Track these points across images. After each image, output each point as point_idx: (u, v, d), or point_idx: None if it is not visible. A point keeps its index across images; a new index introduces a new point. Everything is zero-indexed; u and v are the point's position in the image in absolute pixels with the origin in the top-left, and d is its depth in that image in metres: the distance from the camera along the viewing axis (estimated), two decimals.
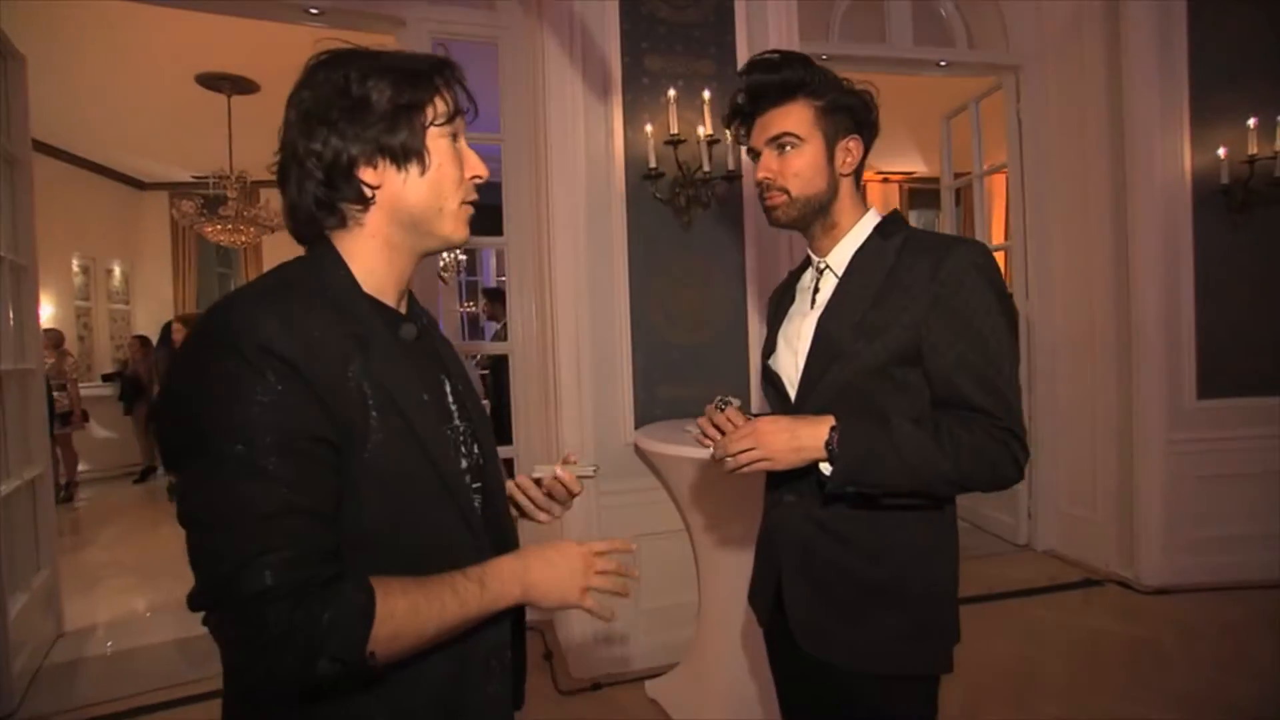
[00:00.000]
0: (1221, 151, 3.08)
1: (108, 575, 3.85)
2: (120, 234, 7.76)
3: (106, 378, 6.92)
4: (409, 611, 0.68)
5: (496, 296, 5.72)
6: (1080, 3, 3.33)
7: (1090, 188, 3.35)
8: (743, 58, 2.68)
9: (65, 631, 3.03)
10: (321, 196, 0.76)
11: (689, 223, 2.65)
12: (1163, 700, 2.28)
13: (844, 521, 1.08)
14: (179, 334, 5.30)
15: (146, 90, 5.28)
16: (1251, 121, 3.05)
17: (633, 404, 2.61)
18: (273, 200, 6.73)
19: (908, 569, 1.08)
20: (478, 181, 0.84)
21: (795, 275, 1.28)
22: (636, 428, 2.55)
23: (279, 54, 4.77)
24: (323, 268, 0.77)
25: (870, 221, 1.15)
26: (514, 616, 0.86)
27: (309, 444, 0.66)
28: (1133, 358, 3.16)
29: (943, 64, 3.50)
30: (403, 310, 0.84)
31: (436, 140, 0.79)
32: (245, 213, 5.72)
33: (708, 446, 1.11)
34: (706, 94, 2.57)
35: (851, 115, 1.11)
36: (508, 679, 0.85)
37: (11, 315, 2.73)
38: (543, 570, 0.81)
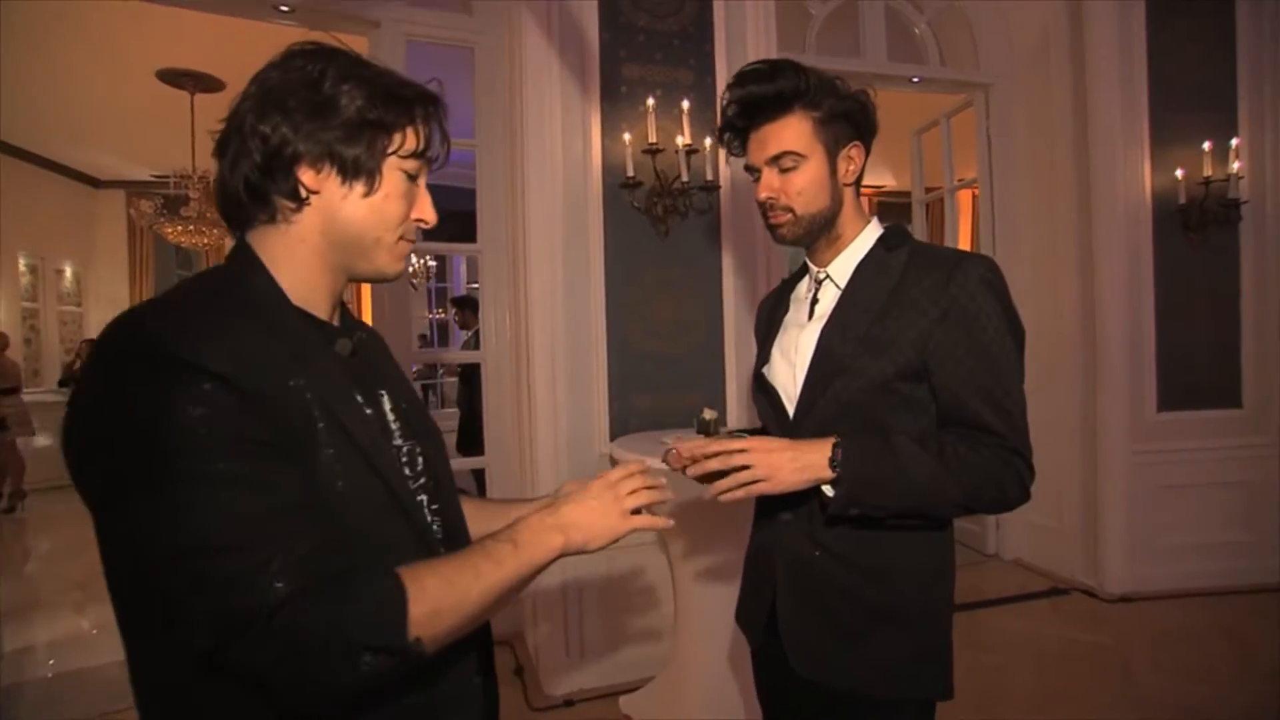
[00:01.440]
0: (1179, 173, 3.18)
1: (50, 592, 3.66)
2: (72, 233, 7.47)
3: (63, 384, 6.61)
4: (442, 585, 0.65)
5: (467, 304, 5.63)
6: (1047, 25, 3.42)
7: (1056, 205, 3.44)
8: (721, 68, 2.69)
9: (2, 653, 2.86)
10: (253, 181, 0.71)
11: (666, 232, 2.63)
12: (1128, 706, 2.32)
13: (844, 541, 1.04)
14: None
15: (105, 85, 5.10)
16: (1206, 145, 3.16)
17: (608, 414, 2.57)
18: None
19: (911, 591, 1.04)
20: (423, 226, 0.80)
21: (790, 283, 1.23)
22: (612, 439, 2.52)
23: (246, 52, 4.67)
24: (246, 277, 0.72)
25: (873, 232, 1.11)
26: (481, 647, 0.82)
27: (257, 447, 0.61)
28: (1097, 370, 3.24)
29: (915, 80, 3.57)
30: (335, 323, 0.79)
31: (393, 170, 0.75)
32: (208, 214, 5.55)
33: (678, 469, 1.00)
34: (685, 103, 2.56)
35: (850, 121, 1.06)
36: (479, 711, 0.80)
37: None
38: (575, 512, 0.78)
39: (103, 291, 7.77)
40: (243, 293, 0.70)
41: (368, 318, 7.10)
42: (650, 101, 2.52)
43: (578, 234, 2.56)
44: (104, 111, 5.64)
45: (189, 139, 5.38)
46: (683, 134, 2.54)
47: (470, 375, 4.46)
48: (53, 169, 7.07)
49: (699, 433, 2.40)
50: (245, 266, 0.73)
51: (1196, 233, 3.24)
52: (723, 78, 2.66)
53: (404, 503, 0.73)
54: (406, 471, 0.79)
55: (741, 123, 1.08)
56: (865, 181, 1.17)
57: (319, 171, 0.72)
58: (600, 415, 2.56)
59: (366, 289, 7.41)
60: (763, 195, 1.06)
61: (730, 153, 1.13)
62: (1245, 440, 3.28)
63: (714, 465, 0.96)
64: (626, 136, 2.54)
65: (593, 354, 2.57)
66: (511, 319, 2.85)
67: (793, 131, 1.03)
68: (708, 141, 2.60)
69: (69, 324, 7.40)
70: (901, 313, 1.00)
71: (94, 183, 7.67)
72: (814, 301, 1.12)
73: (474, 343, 4.75)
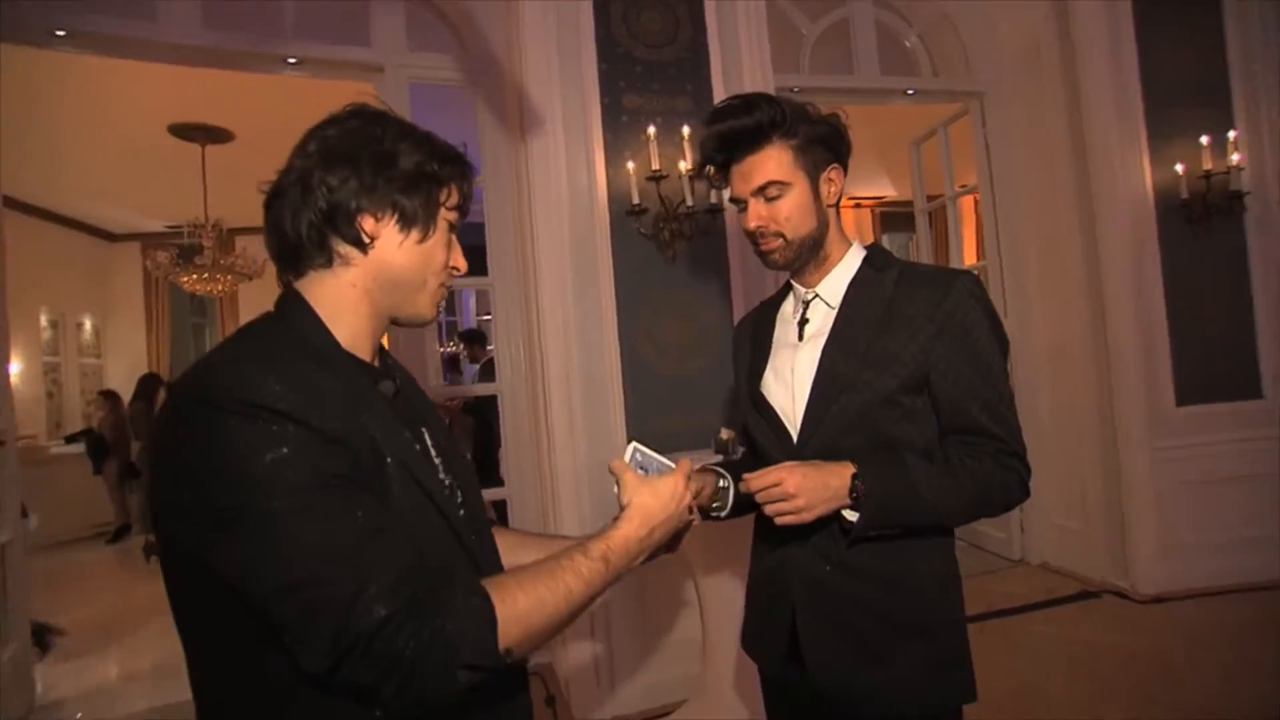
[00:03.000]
0: (1179, 168, 3.20)
1: (80, 642, 3.68)
2: (91, 287, 7.63)
3: (70, 438, 6.62)
4: (534, 606, 0.70)
5: (475, 338, 5.69)
6: (1036, 30, 3.47)
7: (1059, 206, 3.46)
8: (719, 93, 2.74)
9: (39, 704, 2.88)
10: (316, 227, 0.76)
11: (673, 256, 2.67)
12: (1169, 710, 2.27)
13: (858, 555, 1.05)
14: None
15: (118, 141, 5.25)
16: (1204, 139, 3.18)
17: (625, 438, 2.59)
18: (250, 247, 6.67)
19: (927, 598, 1.07)
20: (455, 275, 0.86)
21: (770, 304, 1.27)
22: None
23: (254, 103, 4.85)
24: (300, 324, 0.77)
25: (856, 253, 1.15)
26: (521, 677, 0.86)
27: (342, 480, 0.66)
28: (1111, 368, 3.23)
29: (909, 92, 3.62)
30: (376, 365, 0.84)
31: (441, 220, 0.82)
32: (221, 261, 5.67)
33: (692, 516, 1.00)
34: (685, 130, 2.61)
35: (826, 145, 1.10)
36: None
37: None
38: (662, 529, 0.86)
39: (121, 342, 7.91)
40: (299, 338, 0.75)
41: None
42: (651, 130, 2.58)
43: (587, 263, 2.61)
44: (118, 167, 5.79)
45: (200, 189, 5.51)
46: (685, 159, 2.59)
47: (479, 408, 4.49)
48: (69, 225, 7.24)
49: (716, 452, 2.41)
50: (297, 313, 0.77)
51: (1202, 226, 3.24)
52: None
53: (459, 533, 0.77)
54: (455, 503, 0.83)
55: (721, 157, 1.12)
56: (866, 192, 1.21)
57: (379, 220, 0.78)
58: (619, 439, 2.58)
59: None
60: (752, 225, 1.11)
61: (712, 185, 1.18)
62: (1270, 431, 3.24)
63: (758, 492, 1.01)
64: (630, 165, 2.59)
65: (608, 380, 2.60)
66: (526, 350, 2.89)
67: (774, 161, 1.08)
68: (703, 173, 2.64)
69: (89, 375, 7.52)
70: (899, 329, 1.06)
71: (110, 236, 7.85)
72: (803, 321, 1.15)
73: (486, 374, 4.79)
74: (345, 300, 0.79)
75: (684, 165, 2.58)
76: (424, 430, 0.85)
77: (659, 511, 0.85)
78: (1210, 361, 3.24)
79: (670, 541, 0.93)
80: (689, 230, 2.65)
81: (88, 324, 7.55)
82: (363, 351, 0.81)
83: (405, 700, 0.64)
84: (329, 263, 0.78)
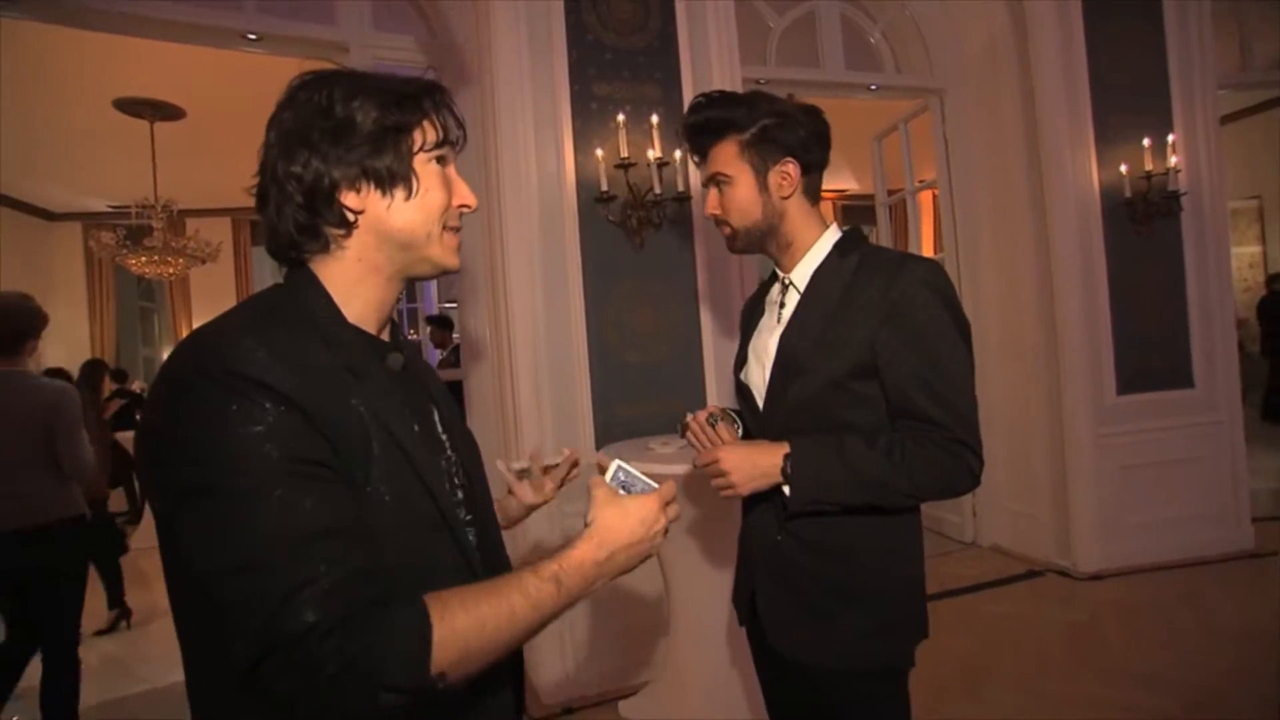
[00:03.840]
0: (1123, 168, 3.36)
1: None
2: (27, 268, 7.25)
3: None
4: (474, 628, 0.64)
5: (443, 323, 5.62)
6: (994, 31, 3.59)
7: (1013, 202, 3.59)
8: (687, 83, 2.77)
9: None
10: (302, 220, 0.73)
11: (641, 244, 2.70)
12: (1104, 678, 2.42)
13: (806, 527, 1.13)
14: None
15: (59, 116, 5.00)
16: (1145, 141, 3.34)
17: (592, 424, 2.61)
18: (201, 230, 6.44)
19: (865, 569, 1.13)
20: (466, 211, 0.81)
21: (765, 287, 1.31)
22: (597, 448, 2.56)
23: (206, 79, 4.67)
24: (305, 296, 0.74)
25: (830, 239, 1.18)
26: (515, 668, 0.86)
27: (313, 467, 0.63)
28: (1059, 359, 3.38)
29: (873, 87, 3.70)
30: (385, 339, 0.81)
31: (424, 165, 0.76)
32: (173, 243, 5.46)
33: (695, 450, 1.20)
34: (654, 118, 2.63)
35: (778, 142, 1.13)
36: None
37: None
38: (624, 555, 0.76)
39: (62, 327, 7.52)
40: (300, 309, 0.73)
41: None
42: (621, 117, 2.59)
43: (555, 249, 2.61)
44: (58, 142, 5.52)
45: (149, 168, 5.30)
46: (653, 147, 2.61)
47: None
48: (3, 202, 6.87)
49: (682, 438, 2.45)
50: (304, 286, 0.75)
51: (1143, 224, 3.41)
52: (689, 92, 2.74)
53: (447, 516, 0.75)
54: (455, 481, 0.82)
55: (691, 146, 1.22)
56: (829, 186, 1.25)
57: (359, 191, 0.74)
58: (585, 425, 2.60)
59: None
60: (707, 211, 1.21)
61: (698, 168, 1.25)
62: (1199, 418, 3.45)
63: (704, 467, 1.11)
64: (599, 152, 2.60)
65: (575, 366, 2.61)
66: (493, 335, 2.88)
67: (723, 155, 1.16)
68: (678, 154, 2.67)
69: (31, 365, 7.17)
70: (851, 315, 1.09)
71: (48, 215, 7.47)
72: (782, 306, 1.20)
73: (451, 360, 4.75)
74: (352, 275, 0.76)
75: (652, 153, 2.60)
76: (432, 407, 0.84)
77: (624, 535, 0.75)
78: (1148, 353, 3.42)
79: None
80: (657, 218, 2.68)
81: None
82: (372, 324, 0.78)
83: (323, 718, 0.60)
84: (326, 247, 0.75)
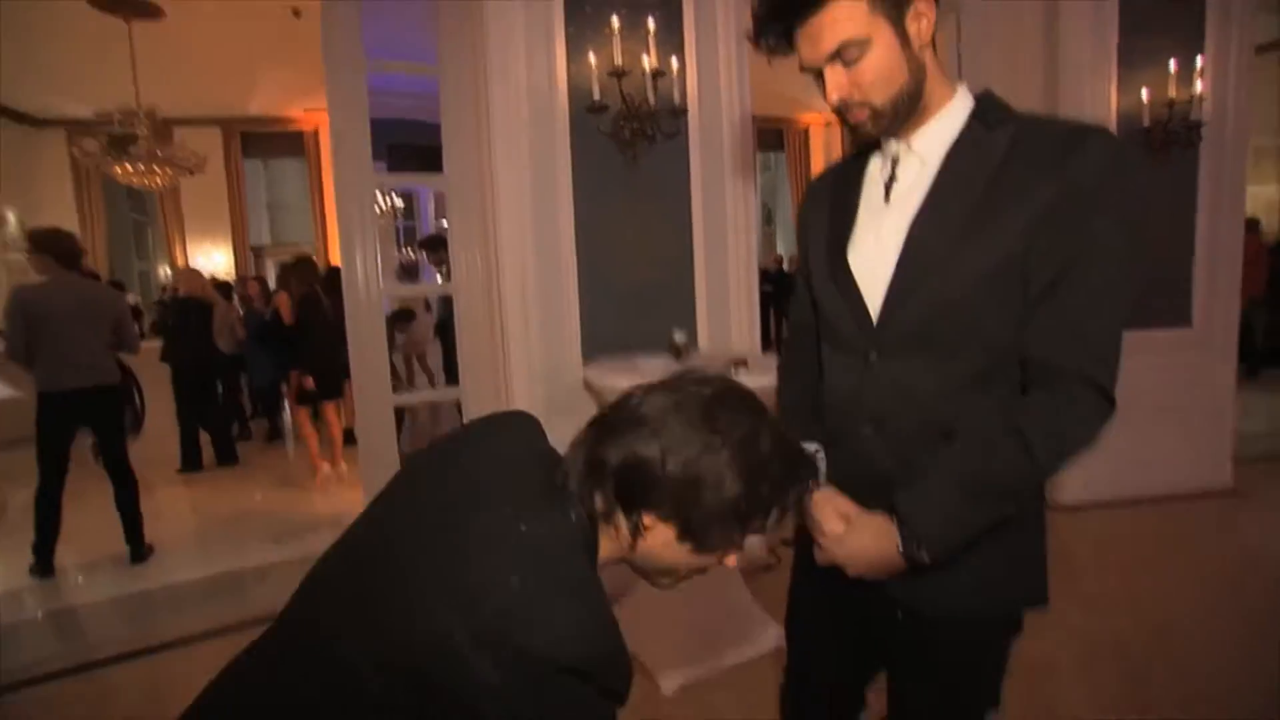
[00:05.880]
0: (1144, 94, 3.20)
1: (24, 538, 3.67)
2: (13, 177, 7.09)
3: None
4: None
5: (438, 244, 5.52)
6: None
7: None
8: None
9: None
10: (609, 500, 0.74)
11: (634, 158, 2.60)
12: (1079, 604, 2.49)
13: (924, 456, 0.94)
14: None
15: (33, 11, 4.76)
16: (1172, 64, 3.16)
17: (580, 339, 2.60)
18: (189, 140, 6.25)
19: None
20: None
21: (854, 162, 1.05)
22: (585, 363, 2.56)
23: None
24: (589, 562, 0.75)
25: (963, 102, 0.93)
26: None
27: None
28: None
29: None
30: None
31: (737, 544, 0.78)
32: (159, 151, 5.31)
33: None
34: (651, 24, 2.49)
35: None
36: None
37: None
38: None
39: None
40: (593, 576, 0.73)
41: (335, 256, 6.96)
42: (615, 21, 2.45)
43: (545, 161, 2.52)
44: (36, 40, 5.28)
45: (129, 72, 5.08)
46: (649, 55, 2.48)
47: (446, 313, 4.43)
48: None
49: (670, 354, 2.44)
50: (589, 554, 0.76)
51: (1160, 154, 3.28)
52: None
53: None
54: None
55: (780, 24, 0.89)
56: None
57: (664, 521, 0.74)
58: (573, 341, 2.59)
59: (333, 229, 7.21)
60: (834, 98, 0.90)
61: (774, 55, 0.93)
62: (1193, 358, 3.42)
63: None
64: (592, 59, 2.47)
65: (564, 281, 2.57)
66: (482, 249, 2.83)
67: (846, 16, 0.84)
68: (674, 64, 2.54)
69: (15, 273, 7.11)
70: (1004, 200, 0.87)
71: (33, 122, 7.25)
72: (892, 180, 0.96)
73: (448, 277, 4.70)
74: (607, 544, 0.78)
75: (648, 62, 2.47)
76: None
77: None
78: (1151, 289, 3.36)
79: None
80: (651, 131, 2.58)
81: (11, 217, 7.07)
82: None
83: None
84: (607, 520, 0.76)
